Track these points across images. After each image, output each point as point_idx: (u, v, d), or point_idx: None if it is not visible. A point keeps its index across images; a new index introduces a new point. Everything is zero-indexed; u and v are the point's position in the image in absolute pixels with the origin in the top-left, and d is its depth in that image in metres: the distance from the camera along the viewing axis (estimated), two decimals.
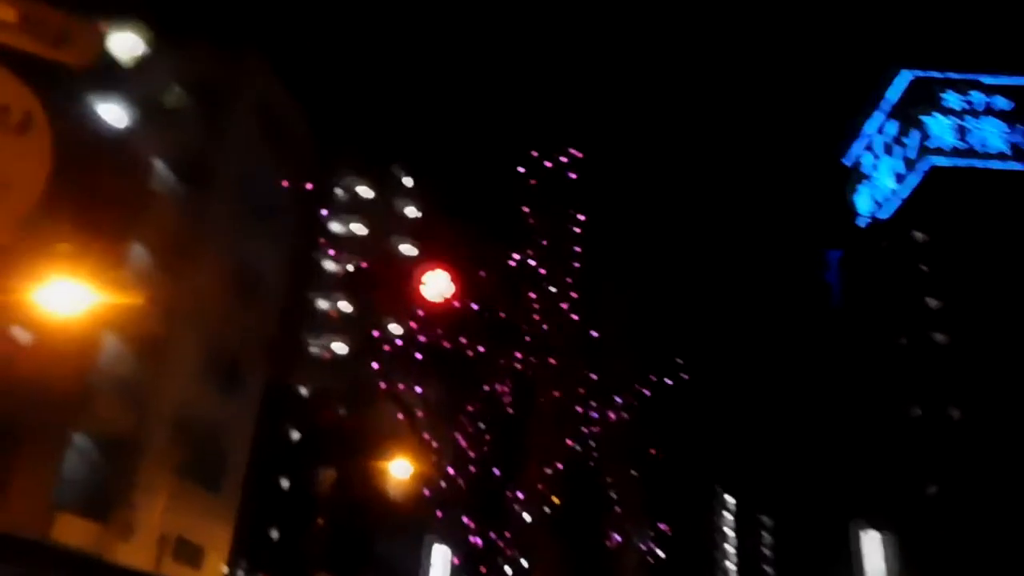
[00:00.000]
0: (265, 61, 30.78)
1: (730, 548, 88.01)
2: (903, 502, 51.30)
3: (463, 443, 27.33)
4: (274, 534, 31.88)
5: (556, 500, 26.48)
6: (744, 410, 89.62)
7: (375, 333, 33.04)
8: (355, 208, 46.26)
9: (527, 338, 26.04)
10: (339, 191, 46.30)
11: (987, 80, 60.13)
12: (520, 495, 25.93)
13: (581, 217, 27.51)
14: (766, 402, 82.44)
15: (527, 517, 25.91)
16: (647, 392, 28.23)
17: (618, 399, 27.92)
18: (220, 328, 26.03)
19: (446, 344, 26.01)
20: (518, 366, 25.77)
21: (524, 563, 26.58)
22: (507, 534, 26.14)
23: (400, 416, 30.51)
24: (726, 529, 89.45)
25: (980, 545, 43.98)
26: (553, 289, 26.49)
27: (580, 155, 27.65)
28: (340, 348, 41.72)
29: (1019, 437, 43.67)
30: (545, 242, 26.81)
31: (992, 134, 57.88)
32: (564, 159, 27.35)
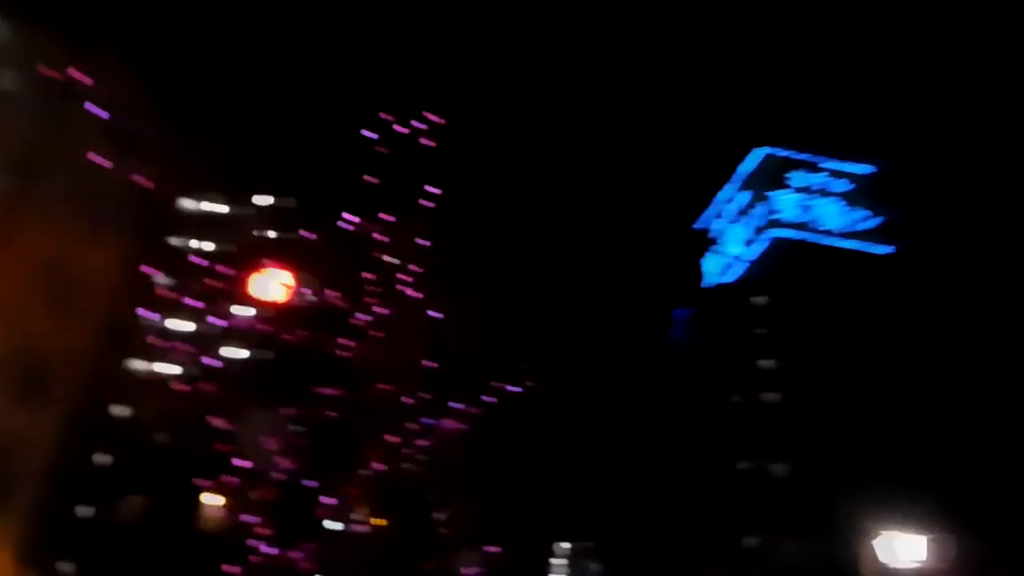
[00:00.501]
0: (117, 55, 28.60)
1: None
2: (727, 551, 53.21)
3: (279, 455, 23.99)
4: (67, 565, 28.84)
5: (371, 514, 23.98)
6: (580, 454, 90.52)
7: (209, 357, 29.73)
8: (204, 222, 43.65)
9: (360, 325, 22.98)
10: (190, 203, 43.53)
11: (830, 164, 64.81)
12: (332, 507, 23.32)
13: (435, 191, 24.38)
14: (603, 449, 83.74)
15: (336, 530, 23.41)
16: (490, 399, 25.64)
17: (457, 405, 25.08)
18: (26, 333, 23.46)
19: (288, 338, 23.06)
20: (347, 354, 22.70)
21: None
22: (311, 548, 23.18)
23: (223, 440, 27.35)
24: (556, 574, 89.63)
25: None
26: (398, 272, 23.66)
27: (440, 121, 24.64)
28: (170, 369, 38.77)
29: (836, 491, 45.93)
30: (392, 218, 23.74)
31: (831, 213, 62.20)
32: (420, 124, 24.25)
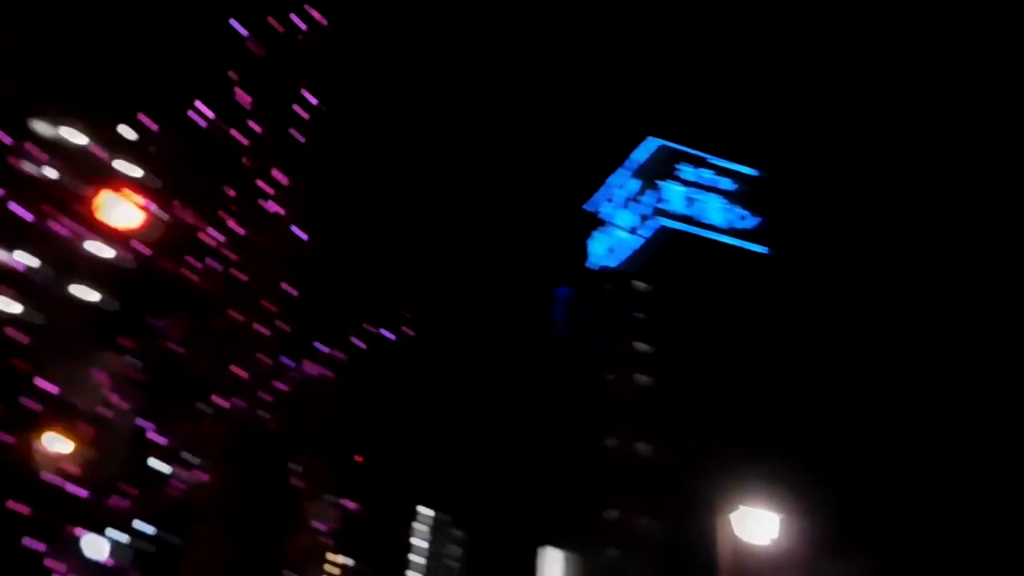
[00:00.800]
0: None
1: (419, 559, 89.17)
2: (587, 526, 55.37)
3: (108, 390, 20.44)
4: None
5: (213, 459, 20.04)
6: (450, 420, 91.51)
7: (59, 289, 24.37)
8: (56, 149, 40.57)
9: (210, 244, 19.63)
10: (41, 126, 39.93)
11: (717, 161, 67.70)
12: (165, 448, 20.07)
13: (313, 100, 21.35)
14: (474, 418, 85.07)
15: (167, 474, 20.14)
16: (360, 344, 22.11)
17: (322, 347, 21.59)
18: None
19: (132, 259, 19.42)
20: (194, 277, 19.28)
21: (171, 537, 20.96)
22: (134, 494, 19.93)
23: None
24: (417, 539, 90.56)
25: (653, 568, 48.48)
26: (260, 180, 20.26)
27: (323, 21, 21.44)
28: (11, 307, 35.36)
29: (701, 475, 48.52)
30: (260, 128, 20.49)
31: (714, 209, 65.09)
32: (301, 22, 21.12)
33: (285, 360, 20.35)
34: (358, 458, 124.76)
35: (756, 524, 12.50)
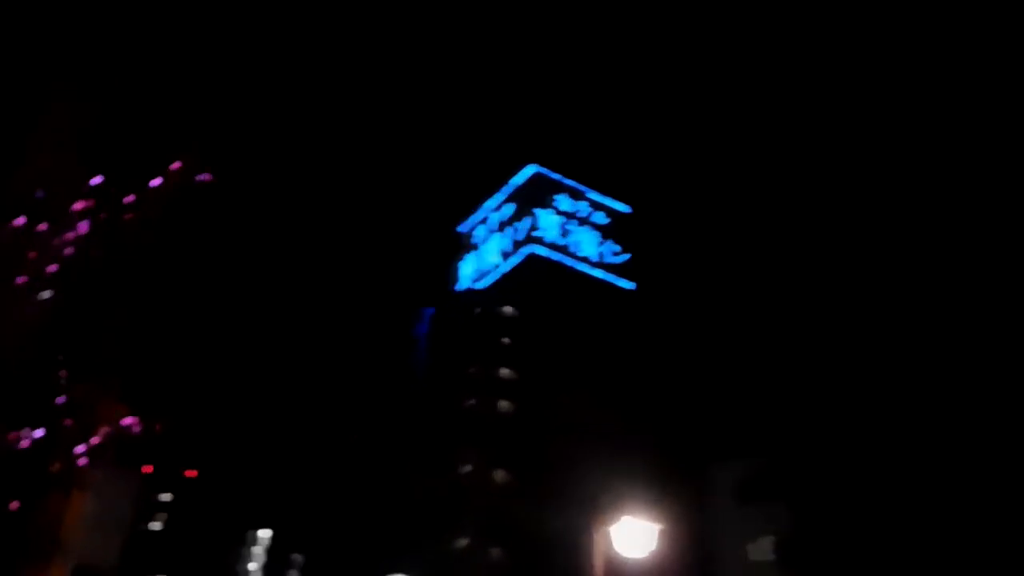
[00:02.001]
0: None
1: None
2: (437, 551, 53.44)
3: None
4: None
5: None
6: (295, 443, 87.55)
7: None
8: None
9: None
10: None
11: (593, 196, 68.52)
12: None
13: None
14: (318, 439, 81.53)
15: None
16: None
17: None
18: None
19: None
20: None
21: None
22: None
23: None
24: (252, 565, 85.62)
25: None
26: None
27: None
28: None
29: (552, 507, 47.81)
30: None
31: (587, 241, 65.60)
32: None
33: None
34: (190, 473, 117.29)
35: (634, 536, 11.55)
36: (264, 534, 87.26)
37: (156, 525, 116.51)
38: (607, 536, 12.00)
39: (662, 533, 11.69)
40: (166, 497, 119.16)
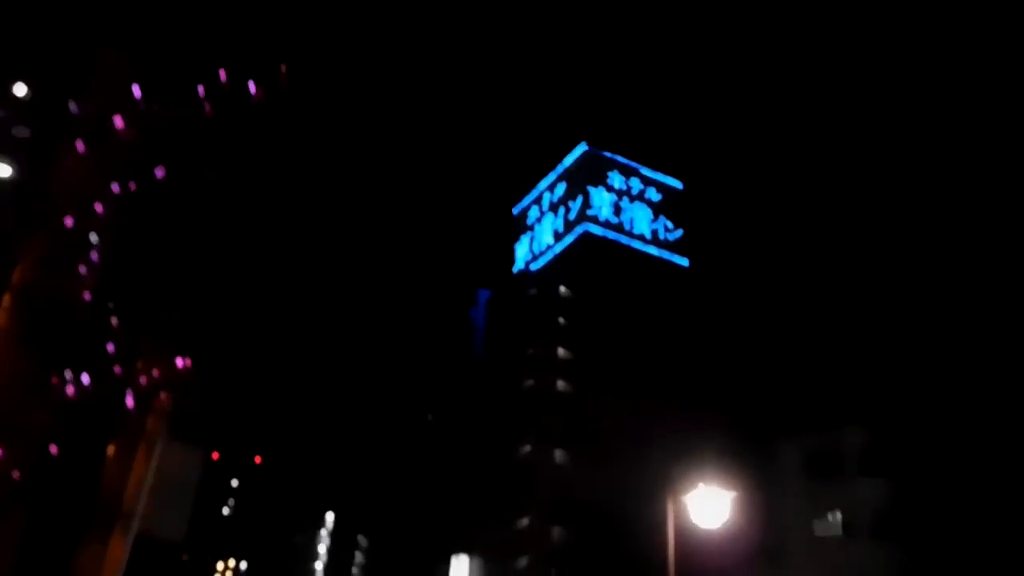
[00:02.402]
0: None
1: (319, 565, 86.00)
2: (495, 532, 53.82)
3: None
4: None
5: None
6: (357, 430, 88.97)
7: None
8: None
9: None
10: None
11: (646, 172, 67.68)
12: None
13: None
14: (381, 424, 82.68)
15: None
16: None
17: None
18: None
19: None
20: None
21: None
22: None
23: None
24: (319, 547, 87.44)
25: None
26: None
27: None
28: None
29: (616, 484, 47.66)
30: None
31: (640, 218, 64.90)
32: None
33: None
34: (257, 459, 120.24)
35: (709, 505, 11.35)
36: (329, 517, 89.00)
37: (225, 510, 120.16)
38: (681, 507, 11.85)
39: (736, 502, 11.45)
40: (235, 483, 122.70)
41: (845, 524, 32.48)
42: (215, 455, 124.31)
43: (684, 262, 65.54)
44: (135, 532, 7.04)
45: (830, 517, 32.98)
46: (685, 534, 12.16)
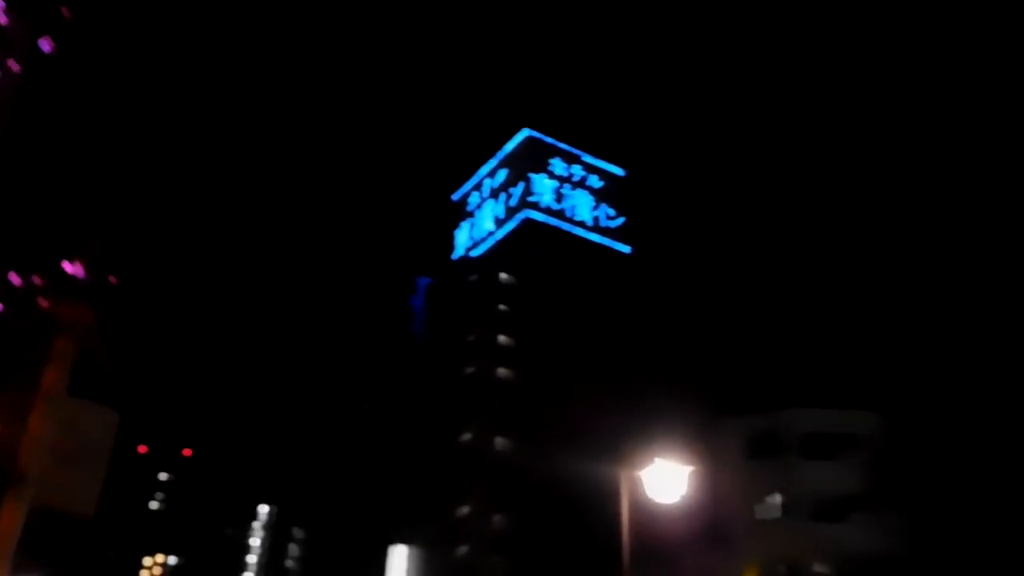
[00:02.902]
0: None
1: (253, 558, 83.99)
2: (435, 521, 53.07)
3: None
4: None
5: None
6: (293, 420, 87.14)
7: None
8: None
9: None
10: None
11: (588, 159, 67.43)
12: None
13: None
14: (318, 413, 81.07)
15: None
16: None
17: None
18: None
19: None
20: None
21: None
22: None
23: None
24: (253, 540, 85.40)
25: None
26: None
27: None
28: None
29: (562, 469, 47.33)
30: None
31: (582, 205, 64.64)
32: None
33: None
34: (186, 452, 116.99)
35: (665, 479, 10.84)
36: (264, 509, 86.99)
37: (154, 504, 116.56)
38: (635, 482, 11.33)
39: (692, 477, 10.97)
40: (163, 476, 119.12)
41: (785, 506, 32.73)
42: (143, 448, 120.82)
43: (626, 249, 65.52)
44: (35, 501, 6.07)
45: (769, 499, 33.19)
46: (640, 511, 11.65)
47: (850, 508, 32.99)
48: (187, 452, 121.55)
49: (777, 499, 32.72)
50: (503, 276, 59.61)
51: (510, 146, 66.82)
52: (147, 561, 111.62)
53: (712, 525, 32.31)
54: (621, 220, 66.66)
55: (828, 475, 32.97)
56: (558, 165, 65.34)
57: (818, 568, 31.37)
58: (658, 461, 10.85)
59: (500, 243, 63.69)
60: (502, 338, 56.72)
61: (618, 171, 69.11)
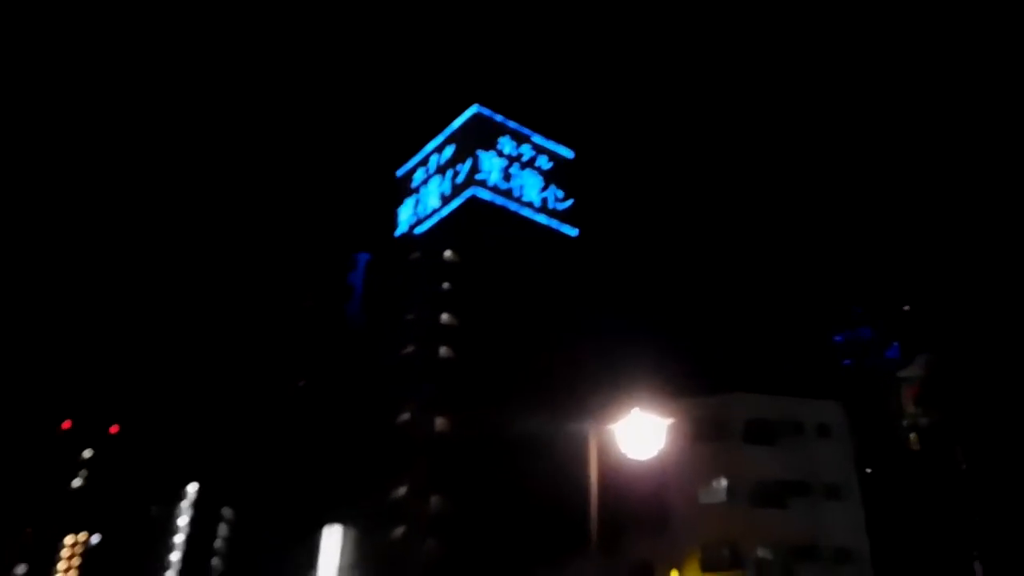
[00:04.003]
0: None
1: (179, 538, 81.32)
2: (371, 502, 51.83)
3: None
4: None
5: None
6: (223, 397, 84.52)
7: None
8: None
9: None
10: None
11: (537, 139, 66.45)
12: None
13: None
14: (250, 391, 78.74)
15: None
16: None
17: None
18: None
19: None
20: None
21: None
22: None
23: None
24: (180, 519, 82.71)
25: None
26: None
27: None
28: None
29: (494, 453, 46.59)
30: None
31: (530, 185, 63.69)
32: None
33: None
34: (113, 429, 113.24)
35: (641, 433, 9.81)
36: (191, 488, 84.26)
37: (77, 482, 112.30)
38: (605, 439, 10.35)
39: (671, 429, 9.92)
40: (88, 453, 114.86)
41: (729, 491, 32.48)
42: (66, 424, 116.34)
43: (573, 232, 64.89)
44: None
45: (714, 484, 32.91)
46: (614, 467, 10.75)
47: (790, 494, 32.96)
48: (114, 429, 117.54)
49: (723, 483, 32.44)
50: (447, 254, 58.39)
51: (458, 122, 65.41)
52: (69, 540, 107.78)
53: (657, 507, 31.95)
54: (569, 202, 65.98)
55: (770, 461, 32.86)
56: (507, 144, 64.22)
57: (761, 553, 31.24)
58: (636, 411, 9.84)
59: (445, 221, 62.36)
60: (445, 317, 55.58)
61: (567, 152, 68.34)
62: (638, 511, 30.60)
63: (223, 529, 75.11)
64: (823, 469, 33.39)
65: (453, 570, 44.64)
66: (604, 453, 10.69)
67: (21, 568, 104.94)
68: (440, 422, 51.05)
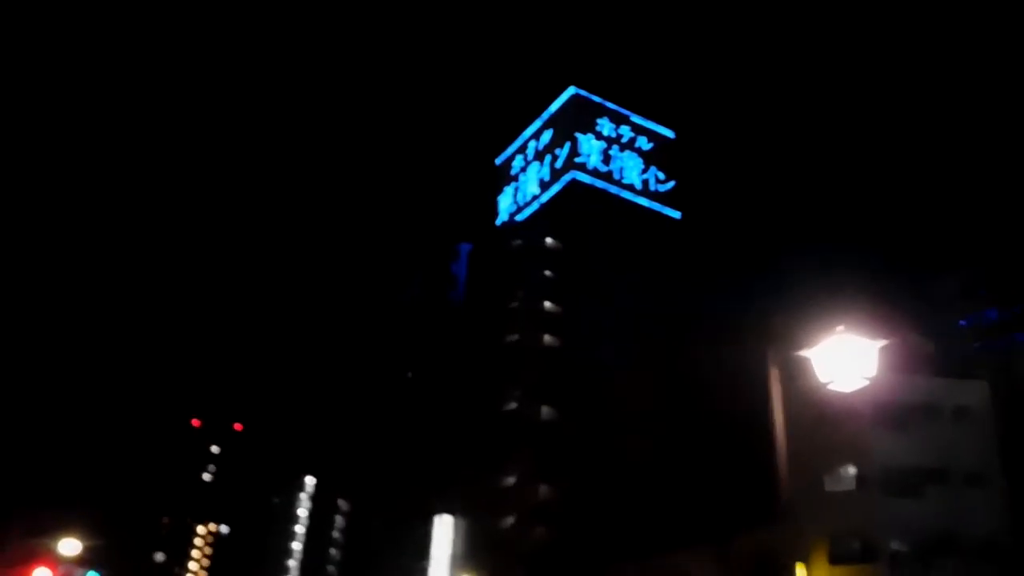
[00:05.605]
0: None
1: (300, 528, 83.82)
2: (479, 491, 51.49)
3: None
4: None
5: None
6: (336, 392, 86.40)
7: None
8: None
9: None
10: None
11: (636, 119, 64.51)
12: None
13: None
14: (360, 384, 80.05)
15: None
16: None
17: None
18: None
19: None
20: None
21: None
22: None
23: None
24: (299, 510, 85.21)
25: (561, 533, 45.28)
26: None
27: None
28: None
29: (602, 440, 45.43)
30: None
31: (630, 167, 61.90)
32: None
33: None
34: (237, 426, 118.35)
35: (846, 358, 8.03)
36: (309, 480, 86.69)
37: (207, 476, 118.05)
38: (792, 369, 8.70)
39: (885, 352, 8.07)
40: (215, 449, 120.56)
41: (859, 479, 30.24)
42: (196, 422, 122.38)
43: (676, 214, 62.75)
44: None
45: (842, 471, 30.67)
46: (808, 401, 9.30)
47: (927, 481, 30.40)
48: (238, 426, 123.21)
49: (851, 471, 30.14)
50: (549, 241, 57.37)
51: (556, 105, 64.24)
52: (201, 529, 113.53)
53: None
54: (671, 184, 63.82)
55: (904, 445, 30.35)
56: (606, 125, 62.62)
57: (895, 545, 28.89)
58: (840, 330, 8.01)
59: (545, 207, 61.35)
60: (547, 304, 54.62)
61: (668, 133, 66.14)
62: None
63: (339, 520, 76.73)
64: (963, 454, 30.59)
65: (562, 558, 43.74)
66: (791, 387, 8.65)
67: (160, 555, 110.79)
68: (545, 410, 50.19)
